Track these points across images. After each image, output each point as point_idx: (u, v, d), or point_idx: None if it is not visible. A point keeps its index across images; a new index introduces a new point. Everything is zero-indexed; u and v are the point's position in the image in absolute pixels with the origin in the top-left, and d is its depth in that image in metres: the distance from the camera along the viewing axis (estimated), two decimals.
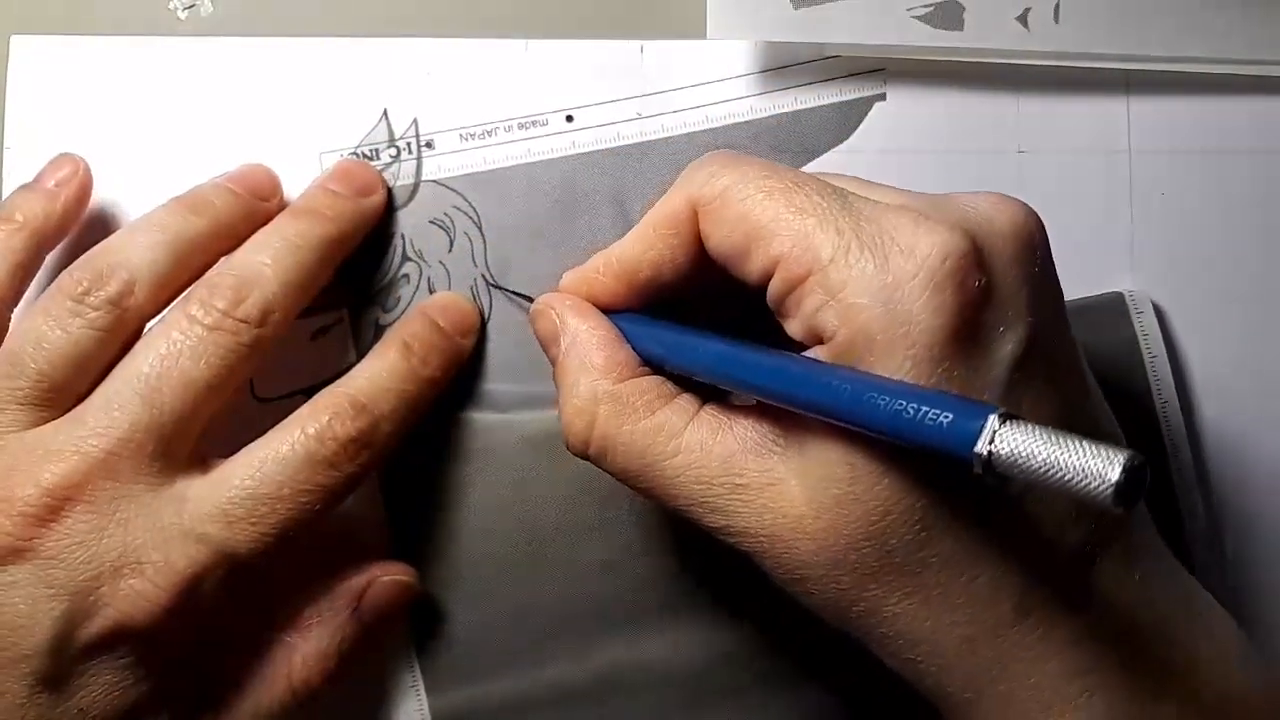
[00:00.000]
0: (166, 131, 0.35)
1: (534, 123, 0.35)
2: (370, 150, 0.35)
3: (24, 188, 0.33)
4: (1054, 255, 0.26)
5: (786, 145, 0.35)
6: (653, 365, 0.28)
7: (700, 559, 0.35)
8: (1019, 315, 0.24)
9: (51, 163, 0.34)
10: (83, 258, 0.31)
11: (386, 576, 0.33)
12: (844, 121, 0.35)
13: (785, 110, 0.35)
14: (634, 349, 0.28)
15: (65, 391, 0.30)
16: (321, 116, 0.35)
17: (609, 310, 0.29)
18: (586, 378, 0.28)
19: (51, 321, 0.30)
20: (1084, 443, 0.20)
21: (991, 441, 0.21)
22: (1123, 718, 0.25)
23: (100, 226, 0.35)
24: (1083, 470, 0.20)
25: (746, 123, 0.35)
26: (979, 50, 0.34)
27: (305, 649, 0.32)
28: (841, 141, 0.35)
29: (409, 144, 0.35)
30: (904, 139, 0.35)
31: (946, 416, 0.22)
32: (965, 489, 0.24)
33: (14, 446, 0.29)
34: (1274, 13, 0.34)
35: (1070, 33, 0.34)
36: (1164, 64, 0.34)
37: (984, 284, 0.24)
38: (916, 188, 0.27)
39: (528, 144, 0.35)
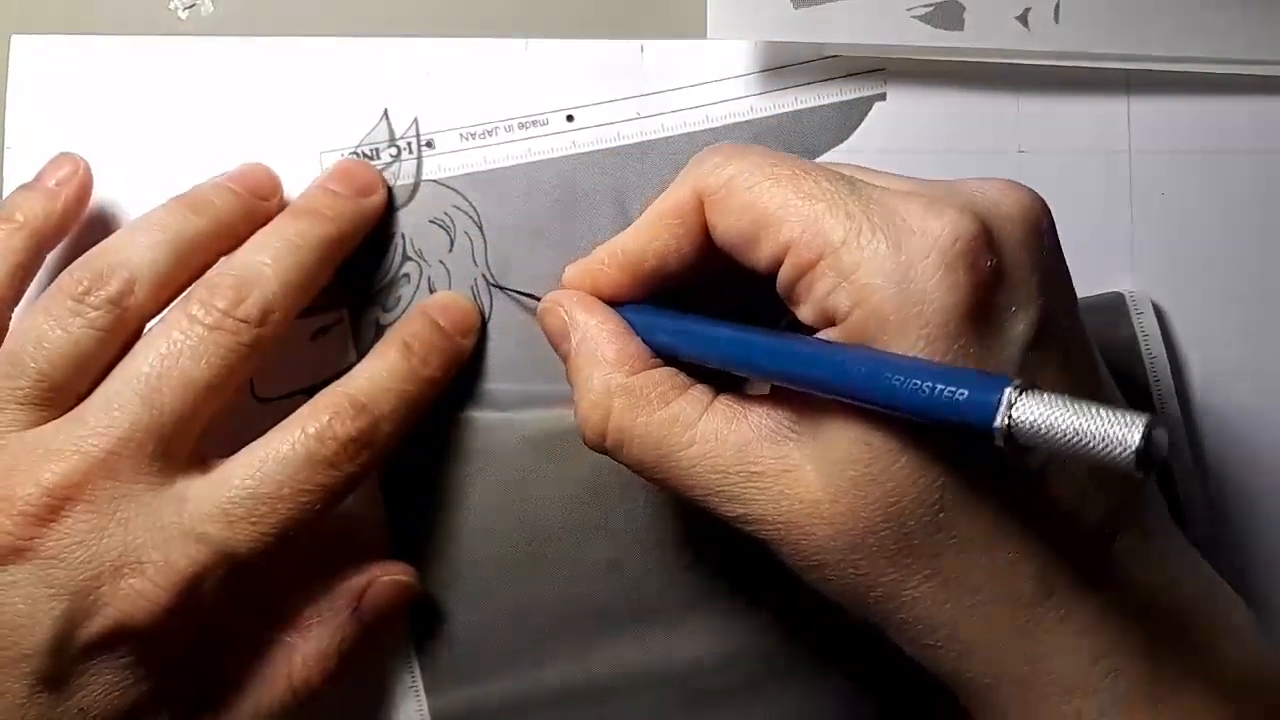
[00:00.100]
0: (167, 131, 0.35)
1: (534, 122, 0.35)
2: (370, 150, 0.35)
3: (24, 187, 0.33)
4: None
5: (786, 145, 0.35)
6: (663, 356, 0.28)
7: (702, 559, 0.35)
8: (1030, 297, 0.25)
9: (51, 162, 0.34)
10: (83, 257, 0.31)
11: (386, 576, 0.33)
12: (844, 121, 0.35)
13: (785, 110, 0.35)
14: (643, 341, 0.28)
15: (65, 391, 0.30)
16: (322, 116, 0.35)
17: (613, 302, 0.29)
18: (599, 372, 0.28)
19: (52, 321, 0.30)
20: (1103, 409, 0.20)
21: (1011, 411, 0.21)
22: (1146, 698, 0.25)
23: (100, 226, 0.35)
24: (1103, 436, 0.20)
25: (746, 122, 0.35)
26: (979, 50, 0.34)
27: (305, 649, 0.32)
28: (841, 141, 0.35)
29: (409, 143, 0.35)
30: (904, 139, 0.35)
31: (963, 392, 0.22)
32: (983, 468, 0.24)
33: (14, 446, 0.29)
34: (1274, 13, 0.34)
35: (1070, 32, 0.34)
36: (1164, 64, 0.34)
37: (995, 265, 0.24)
38: None
39: (528, 144, 0.35)
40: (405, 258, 0.35)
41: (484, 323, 0.35)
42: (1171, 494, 0.34)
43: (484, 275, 0.35)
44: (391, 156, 0.35)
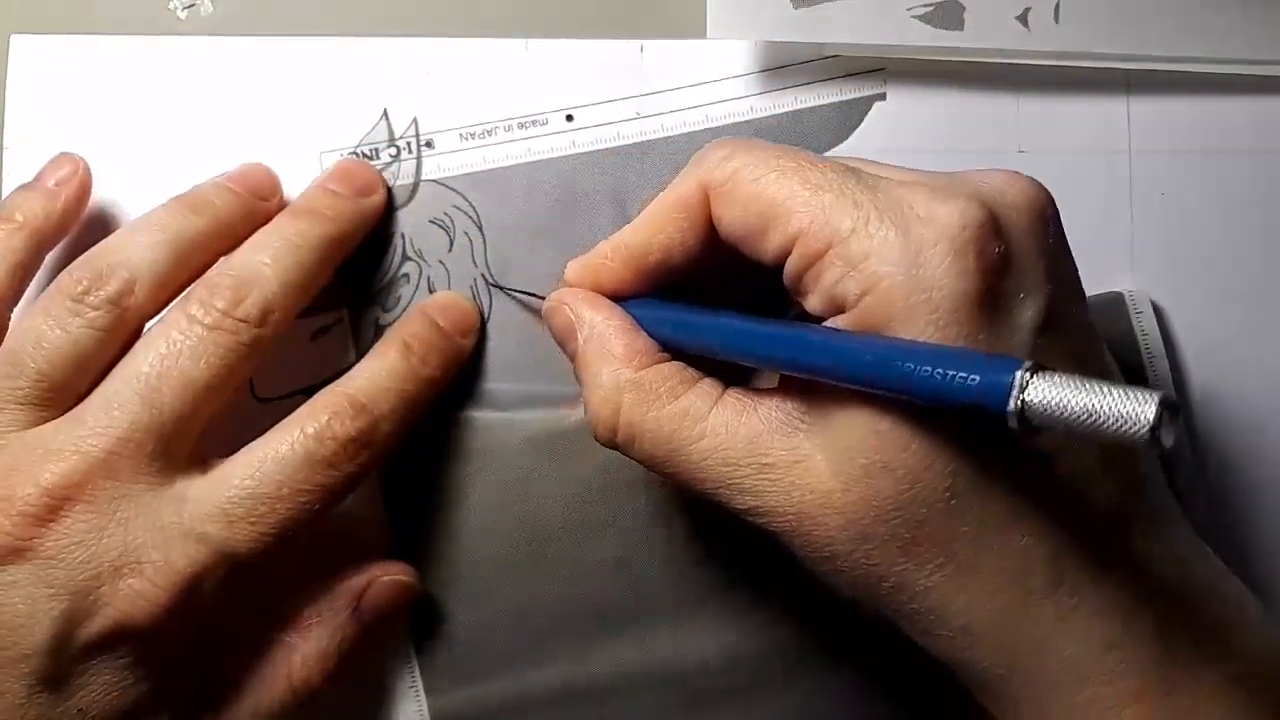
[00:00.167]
0: (166, 131, 0.35)
1: (534, 122, 0.35)
2: (370, 150, 0.35)
3: (24, 187, 0.33)
4: None
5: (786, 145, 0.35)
6: (669, 350, 0.28)
7: (704, 558, 0.35)
8: (1038, 284, 0.25)
9: (51, 162, 0.34)
10: (82, 257, 0.31)
11: (386, 576, 0.33)
12: (844, 121, 0.35)
13: (785, 110, 0.35)
14: (649, 335, 0.28)
15: (65, 391, 0.30)
16: (321, 116, 0.35)
17: (617, 298, 0.29)
18: (608, 367, 0.28)
19: (51, 321, 0.30)
20: (1115, 388, 0.20)
21: (1023, 392, 0.21)
22: (1158, 684, 0.25)
23: (100, 226, 0.35)
24: (1117, 414, 0.20)
25: (746, 122, 0.35)
26: (979, 50, 0.34)
27: (305, 649, 0.32)
28: (841, 141, 0.35)
29: (409, 143, 0.35)
30: (904, 139, 0.35)
31: (974, 377, 0.22)
32: (995, 453, 0.24)
33: (14, 446, 0.29)
34: (1274, 13, 0.34)
35: (1070, 32, 0.34)
36: (1164, 64, 0.34)
37: (1003, 251, 0.24)
38: None
39: (527, 143, 0.35)
40: (405, 258, 0.35)
41: (483, 323, 0.35)
42: (1172, 492, 0.34)
43: (483, 275, 0.35)
44: (391, 156, 0.35)
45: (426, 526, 0.35)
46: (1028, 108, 0.35)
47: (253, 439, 0.30)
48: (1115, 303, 0.34)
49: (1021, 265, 0.25)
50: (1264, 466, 0.35)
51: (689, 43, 0.35)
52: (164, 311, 0.31)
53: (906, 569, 0.25)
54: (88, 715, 0.29)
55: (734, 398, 0.27)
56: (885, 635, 0.27)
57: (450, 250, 0.35)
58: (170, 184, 0.33)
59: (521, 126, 0.35)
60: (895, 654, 0.33)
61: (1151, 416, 0.20)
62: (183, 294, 0.31)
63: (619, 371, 0.28)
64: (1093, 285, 0.34)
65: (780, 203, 0.26)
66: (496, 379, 0.35)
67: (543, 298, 0.33)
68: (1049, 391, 0.21)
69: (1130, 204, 0.35)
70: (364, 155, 0.35)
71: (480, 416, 0.35)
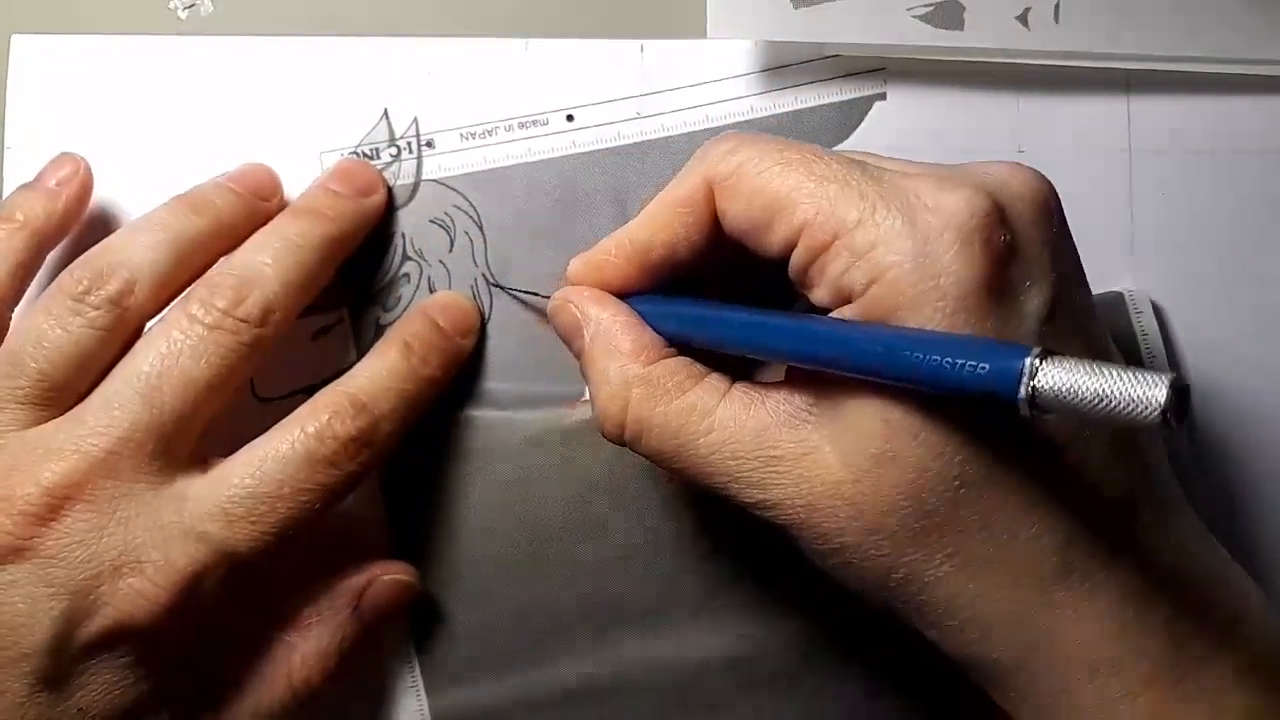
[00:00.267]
0: (167, 131, 0.35)
1: (534, 122, 0.35)
2: (370, 149, 0.35)
3: (25, 187, 0.33)
4: None
5: None
6: (675, 345, 0.28)
7: (706, 559, 0.35)
8: (1044, 272, 0.25)
9: (52, 162, 0.34)
10: (83, 257, 0.31)
11: (387, 576, 0.33)
12: (844, 121, 0.35)
13: (785, 110, 0.35)
14: (655, 331, 0.29)
15: (66, 391, 0.30)
16: (322, 116, 0.35)
17: (621, 294, 0.29)
18: (616, 364, 0.28)
19: (52, 320, 0.30)
20: (1125, 371, 0.20)
21: (1034, 378, 0.21)
22: (1169, 674, 0.25)
23: (101, 226, 0.35)
24: (1128, 396, 0.20)
25: (747, 122, 0.35)
26: (979, 50, 0.34)
27: (305, 648, 0.32)
28: (842, 141, 0.35)
29: (409, 143, 0.35)
30: (904, 138, 0.35)
31: (984, 366, 0.22)
32: (1004, 441, 0.24)
33: (14, 445, 0.29)
34: (1275, 12, 0.34)
35: (1070, 32, 0.34)
36: (1164, 64, 0.34)
37: (1009, 240, 0.24)
38: None
39: (528, 143, 0.35)
40: (405, 257, 0.35)
41: (484, 323, 0.35)
42: None
43: (484, 275, 0.35)
44: (391, 156, 0.35)
45: (427, 526, 0.35)
46: (1028, 107, 0.35)
47: (253, 438, 0.30)
48: (1115, 303, 0.35)
49: (1027, 254, 0.25)
50: (1263, 465, 0.35)
51: (689, 42, 0.35)
52: (165, 311, 0.31)
53: (916, 559, 0.25)
54: (88, 714, 0.29)
55: (741, 391, 0.27)
56: (892, 632, 0.27)
57: (451, 250, 0.35)
58: (171, 184, 0.33)
59: (522, 126, 0.35)
60: (902, 652, 0.33)
61: (1162, 399, 0.20)
62: (184, 294, 0.31)
63: (626, 367, 0.28)
64: (1093, 285, 0.34)
65: (785, 195, 0.26)
66: (497, 378, 0.35)
67: (544, 296, 0.34)
68: (1059, 377, 0.21)
69: (1130, 204, 0.35)
70: (364, 155, 0.35)
71: (480, 416, 0.35)
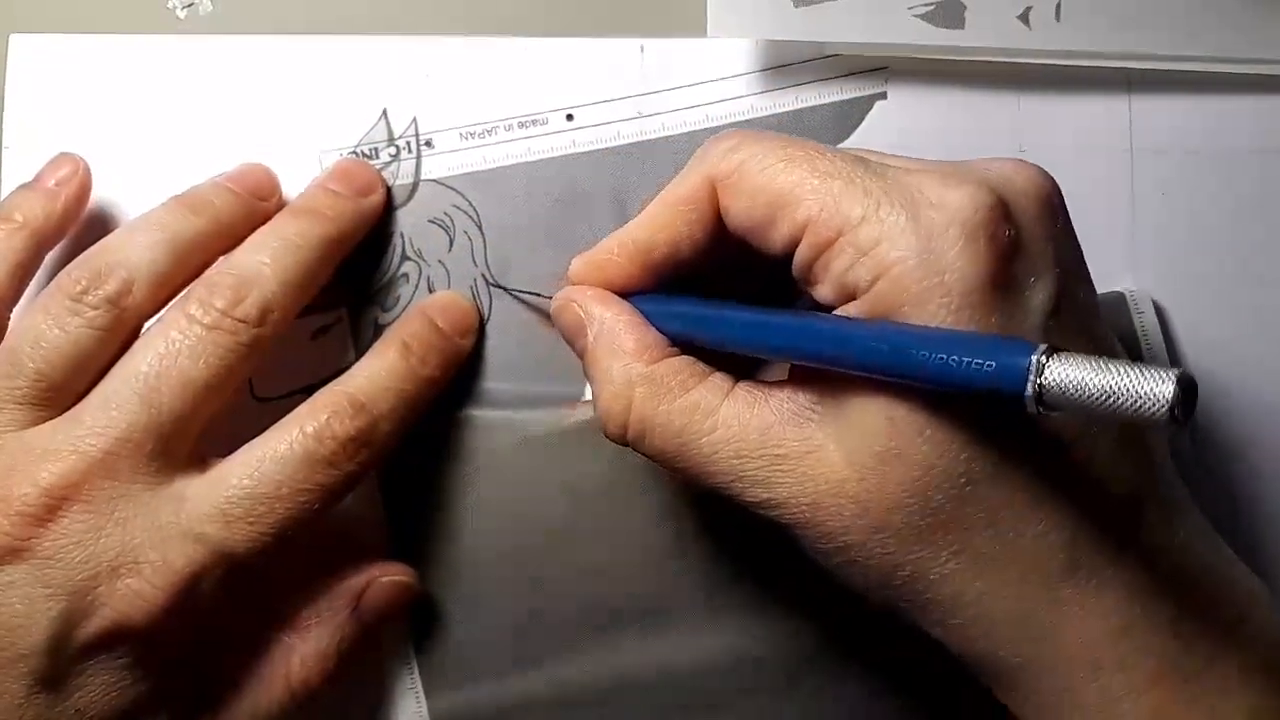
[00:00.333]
0: (166, 130, 0.35)
1: (534, 121, 0.35)
2: (370, 149, 0.35)
3: (23, 187, 0.33)
4: None
5: None
6: (678, 345, 0.28)
7: (706, 559, 0.35)
8: (1048, 268, 0.25)
9: (51, 162, 0.34)
10: (81, 256, 0.31)
11: (386, 577, 0.33)
12: (845, 120, 0.35)
13: (786, 109, 0.35)
14: (658, 330, 0.28)
15: (64, 391, 0.30)
16: (321, 115, 0.35)
17: (624, 293, 0.29)
18: (619, 363, 0.28)
19: (50, 321, 0.30)
20: (1132, 367, 0.20)
21: (1040, 375, 0.21)
22: (1174, 673, 0.25)
23: (100, 226, 0.34)
24: (1135, 392, 0.20)
25: (747, 121, 0.35)
26: (980, 49, 0.34)
27: (304, 649, 0.32)
28: (842, 140, 0.35)
29: (408, 143, 0.35)
30: (905, 137, 0.35)
31: (990, 363, 0.22)
32: (1010, 438, 0.24)
33: (12, 446, 0.29)
34: (1275, 12, 0.34)
35: (1071, 31, 0.34)
36: (1166, 63, 0.34)
37: (1013, 236, 0.24)
38: None
39: (527, 143, 0.35)
40: (404, 257, 0.35)
41: (483, 323, 0.35)
42: None
43: (483, 275, 0.35)
44: (390, 156, 0.35)
45: (425, 527, 0.35)
46: (1029, 106, 0.35)
47: (252, 439, 0.30)
48: (1116, 302, 0.34)
49: (1031, 250, 0.25)
50: (1265, 465, 0.35)
51: (689, 42, 0.35)
52: (163, 311, 0.31)
53: (921, 557, 0.25)
54: (86, 715, 0.29)
55: (745, 390, 0.27)
56: (893, 633, 0.27)
57: (450, 250, 0.35)
58: (170, 183, 0.33)
59: (521, 126, 0.35)
60: (903, 652, 0.33)
61: (1170, 395, 0.20)
62: (182, 293, 0.31)
63: (630, 366, 0.28)
64: (1094, 284, 0.34)
65: (789, 191, 0.25)
66: (496, 379, 0.35)
67: (545, 296, 0.34)
68: (1066, 373, 0.21)
69: (1131, 203, 0.35)
70: (363, 155, 0.35)
71: (480, 416, 0.35)
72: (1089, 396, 0.20)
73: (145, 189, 0.34)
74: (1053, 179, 0.26)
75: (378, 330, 0.35)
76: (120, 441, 0.29)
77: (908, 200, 0.24)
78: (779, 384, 0.27)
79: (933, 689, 0.34)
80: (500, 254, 0.35)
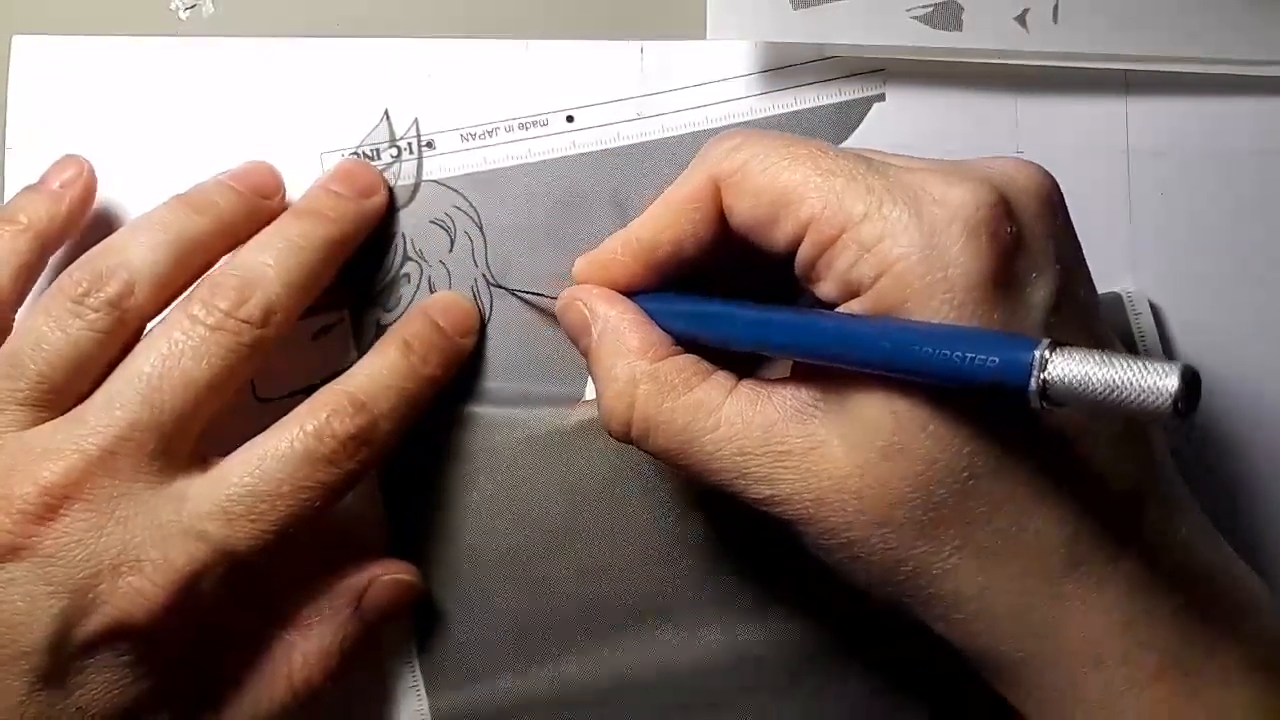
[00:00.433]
0: (168, 132, 0.35)
1: (534, 123, 0.35)
2: (371, 150, 0.35)
3: (29, 189, 0.33)
4: None
5: None
6: (682, 343, 0.29)
7: (708, 559, 0.35)
8: (1048, 265, 0.25)
9: (56, 164, 0.34)
10: (83, 258, 0.31)
11: (388, 575, 0.33)
12: (843, 121, 0.35)
13: (785, 110, 0.35)
14: (662, 329, 0.29)
15: (65, 392, 0.30)
16: (322, 116, 0.35)
17: (628, 292, 0.29)
18: (623, 361, 0.28)
19: (51, 323, 0.30)
20: (1135, 360, 0.20)
21: (1044, 370, 0.21)
22: (1176, 668, 0.25)
23: (101, 227, 0.35)
24: (1139, 386, 0.20)
25: (746, 123, 0.35)
26: (978, 51, 0.34)
27: (306, 647, 0.32)
28: (841, 141, 0.35)
29: (410, 144, 0.35)
30: (903, 139, 0.35)
31: (994, 358, 0.22)
32: (1013, 432, 0.24)
33: (13, 446, 0.29)
34: (1273, 13, 0.34)
35: (1068, 33, 0.34)
36: (1163, 64, 0.34)
37: (1015, 233, 0.24)
38: None
39: (528, 144, 0.35)
40: (406, 258, 0.35)
41: (484, 323, 0.35)
42: None
43: (484, 275, 0.35)
44: (392, 157, 0.35)
45: (426, 526, 0.35)
46: (1026, 108, 0.35)
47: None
48: (1113, 303, 0.35)
49: (1033, 247, 0.25)
50: (1263, 464, 0.35)
51: (689, 43, 0.35)
52: (166, 311, 0.31)
53: (924, 552, 0.25)
54: (87, 713, 0.29)
55: (748, 388, 0.27)
56: (894, 631, 0.27)
57: (451, 250, 0.35)
58: (171, 184, 0.33)
59: (522, 127, 0.35)
60: (904, 651, 0.33)
61: (1174, 388, 0.20)
62: (185, 294, 0.31)
63: (634, 364, 0.28)
64: None
65: (792, 190, 0.26)
66: (497, 379, 0.35)
67: (547, 296, 0.34)
68: (1069, 368, 0.21)
69: (1129, 204, 0.35)
70: (365, 156, 0.35)
71: (481, 415, 0.35)
72: (1093, 390, 0.21)
73: (147, 190, 0.34)
74: (1053, 177, 0.26)
75: (379, 330, 0.35)
76: (121, 441, 0.29)
77: (910, 197, 0.24)
78: (782, 381, 0.27)
79: (934, 687, 0.34)
80: (501, 254, 0.35)
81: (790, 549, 0.27)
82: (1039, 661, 0.26)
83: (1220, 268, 0.35)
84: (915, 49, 0.34)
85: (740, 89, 0.35)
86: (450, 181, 0.35)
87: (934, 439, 0.24)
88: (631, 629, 0.35)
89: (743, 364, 0.29)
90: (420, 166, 0.35)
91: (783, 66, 0.35)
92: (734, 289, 0.29)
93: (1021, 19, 0.34)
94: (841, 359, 0.25)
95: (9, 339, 0.31)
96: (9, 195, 0.34)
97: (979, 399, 0.24)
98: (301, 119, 0.35)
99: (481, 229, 0.35)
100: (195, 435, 0.30)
